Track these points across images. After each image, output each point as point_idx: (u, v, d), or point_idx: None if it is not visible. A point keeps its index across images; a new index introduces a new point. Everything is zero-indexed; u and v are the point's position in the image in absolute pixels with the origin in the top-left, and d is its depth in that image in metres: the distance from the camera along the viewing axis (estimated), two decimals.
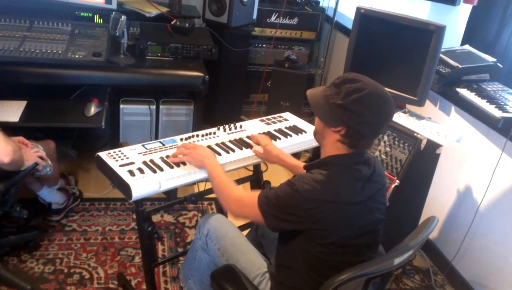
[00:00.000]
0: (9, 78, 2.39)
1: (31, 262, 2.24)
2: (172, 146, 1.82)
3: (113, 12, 2.58)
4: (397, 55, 2.22)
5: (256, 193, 1.44)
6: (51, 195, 2.50)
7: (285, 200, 1.34)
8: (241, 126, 2.07)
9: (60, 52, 2.47)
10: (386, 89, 2.23)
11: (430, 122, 2.21)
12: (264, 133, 2.04)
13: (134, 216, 2.61)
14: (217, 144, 1.89)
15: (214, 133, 1.97)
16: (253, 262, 1.62)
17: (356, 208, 1.34)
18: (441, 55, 2.30)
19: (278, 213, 1.36)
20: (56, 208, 2.54)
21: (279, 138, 2.02)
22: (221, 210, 2.26)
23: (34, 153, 2.08)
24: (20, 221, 2.45)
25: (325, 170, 1.36)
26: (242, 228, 2.01)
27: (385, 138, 2.19)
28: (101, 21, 2.86)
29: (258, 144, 1.89)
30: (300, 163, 1.80)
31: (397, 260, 1.31)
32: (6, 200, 2.02)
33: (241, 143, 1.92)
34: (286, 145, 1.97)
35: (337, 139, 1.37)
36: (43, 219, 2.52)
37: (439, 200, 2.58)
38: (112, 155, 1.70)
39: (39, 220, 2.51)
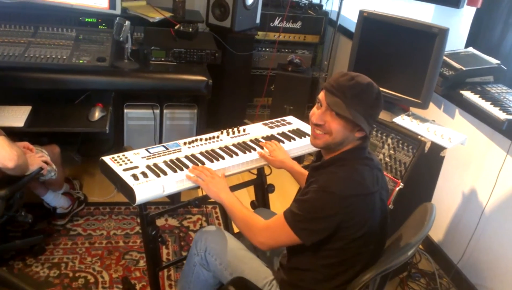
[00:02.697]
0: (14, 83, 2.41)
1: (36, 266, 2.25)
2: (175, 150, 1.83)
3: (117, 18, 2.60)
4: (401, 58, 2.21)
5: (280, 215, 1.41)
6: (56, 200, 2.51)
7: (320, 206, 1.34)
8: (244, 130, 2.07)
9: (64, 57, 2.49)
10: (390, 92, 2.25)
11: (434, 124, 2.20)
12: (267, 136, 2.04)
13: (139, 220, 2.61)
14: (220, 148, 1.89)
15: (218, 137, 1.98)
16: (258, 271, 1.60)
17: (376, 197, 1.38)
18: (445, 58, 2.30)
19: (315, 226, 1.35)
20: (61, 212, 2.55)
21: (283, 142, 2.01)
22: (225, 215, 2.27)
23: (39, 158, 2.09)
24: (25, 226, 2.46)
25: (342, 165, 1.39)
26: (239, 235, 1.98)
27: (389, 141, 2.19)
28: (105, 27, 2.88)
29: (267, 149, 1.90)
30: (305, 171, 1.80)
31: (410, 252, 1.33)
32: (11, 204, 2.03)
33: (244, 147, 1.92)
34: (290, 149, 1.97)
35: (357, 138, 1.41)
36: (48, 224, 2.53)
37: (444, 203, 2.56)
38: (116, 160, 1.71)
39: (44, 225, 2.52)
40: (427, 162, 2.13)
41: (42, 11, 2.80)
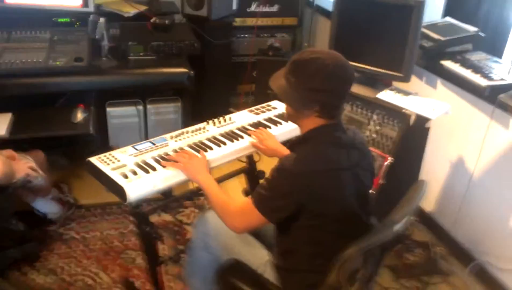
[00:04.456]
0: None
1: (32, 273, 2.23)
2: (162, 144, 1.81)
3: (91, 15, 2.55)
4: (380, 33, 2.22)
5: (249, 197, 1.43)
6: (45, 206, 2.48)
7: (277, 184, 1.36)
8: (230, 119, 2.06)
9: (40, 60, 2.43)
10: (371, 68, 2.26)
11: (418, 97, 2.22)
12: (254, 123, 2.04)
13: (132, 219, 2.60)
14: (208, 139, 1.88)
15: (204, 128, 1.97)
16: (255, 253, 1.62)
17: (346, 174, 1.37)
18: (423, 29, 2.30)
19: (276, 203, 1.37)
20: (52, 218, 2.52)
21: (269, 127, 2.01)
22: None
23: (24, 165, 2.07)
24: (18, 234, 2.42)
25: (306, 144, 1.41)
26: None
27: (374, 117, 2.20)
28: (80, 25, 2.82)
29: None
30: None
31: (397, 227, 1.33)
32: (1, 214, 2.01)
33: (232, 136, 1.92)
34: (277, 134, 1.97)
35: (314, 116, 1.40)
36: (41, 230, 2.50)
37: (433, 173, 2.60)
38: (103, 159, 1.68)
39: (37, 232, 2.48)
40: (414, 135, 2.15)
41: (14, 15, 2.73)
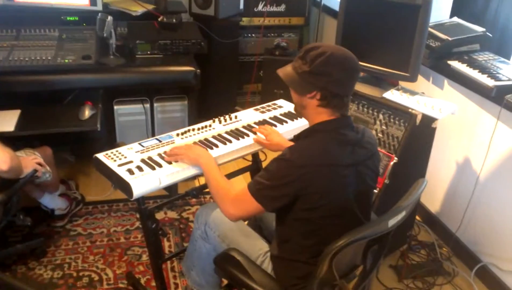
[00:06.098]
0: (1, 88, 2.38)
1: (39, 269, 2.25)
2: (168, 142, 1.82)
3: (99, 14, 2.57)
4: (387, 32, 2.21)
5: (245, 185, 1.44)
6: (53, 202, 2.50)
7: (277, 174, 1.38)
8: (236, 117, 2.07)
9: (49, 58, 2.46)
10: (378, 67, 2.26)
11: (424, 97, 2.22)
12: (260, 121, 2.04)
13: (138, 215, 2.61)
14: (213, 136, 1.89)
15: (210, 125, 1.98)
16: (254, 244, 1.65)
17: (347, 171, 1.38)
18: (430, 29, 2.30)
19: (273, 192, 1.38)
20: (59, 213, 2.55)
21: (275, 125, 2.02)
22: None
23: (32, 160, 2.09)
24: (25, 230, 2.45)
25: (311, 137, 1.43)
26: None
27: (380, 116, 2.20)
28: (88, 24, 2.84)
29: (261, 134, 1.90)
30: None
31: (392, 222, 1.33)
32: (8, 209, 2.03)
33: (237, 134, 1.92)
34: (283, 132, 1.97)
35: (316, 105, 1.42)
36: (48, 226, 2.53)
37: (438, 174, 2.59)
38: (110, 156, 1.70)
39: (44, 227, 2.52)
40: (420, 135, 2.15)
41: (23, 13, 2.76)
